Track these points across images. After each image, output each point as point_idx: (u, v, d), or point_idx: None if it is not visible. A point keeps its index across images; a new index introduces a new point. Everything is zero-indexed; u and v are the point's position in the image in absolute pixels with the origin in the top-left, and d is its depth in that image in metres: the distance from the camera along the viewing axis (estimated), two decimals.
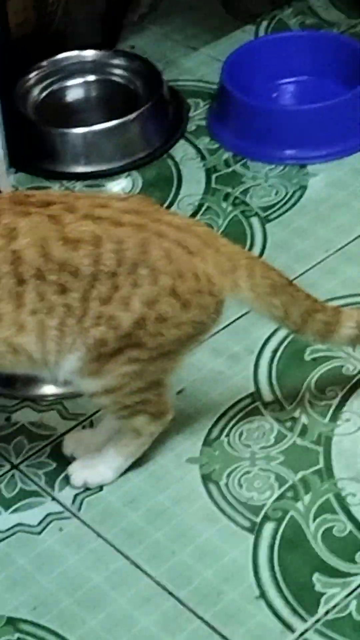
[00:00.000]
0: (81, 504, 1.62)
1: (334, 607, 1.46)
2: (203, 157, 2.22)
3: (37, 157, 2.22)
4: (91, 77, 2.35)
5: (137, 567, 1.53)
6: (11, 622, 1.49)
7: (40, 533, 1.59)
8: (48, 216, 1.45)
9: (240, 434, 1.68)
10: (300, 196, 2.11)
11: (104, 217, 1.47)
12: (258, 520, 1.57)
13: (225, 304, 1.54)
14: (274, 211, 2.08)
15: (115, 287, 1.46)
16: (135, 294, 1.46)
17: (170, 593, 1.50)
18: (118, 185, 2.18)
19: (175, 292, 1.48)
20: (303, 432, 1.67)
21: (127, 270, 1.45)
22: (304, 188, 2.12)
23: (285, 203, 2.10)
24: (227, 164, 2.20)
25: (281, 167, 2.17)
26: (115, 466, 1.63)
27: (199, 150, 2.24)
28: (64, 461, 1.66)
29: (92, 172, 2.19)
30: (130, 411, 1.57)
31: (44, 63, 2.34)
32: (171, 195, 2.14)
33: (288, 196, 2.11)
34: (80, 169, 2.20)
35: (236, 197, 2.12)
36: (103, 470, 1.63)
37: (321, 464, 1.63)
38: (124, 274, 1.45)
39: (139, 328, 1.47)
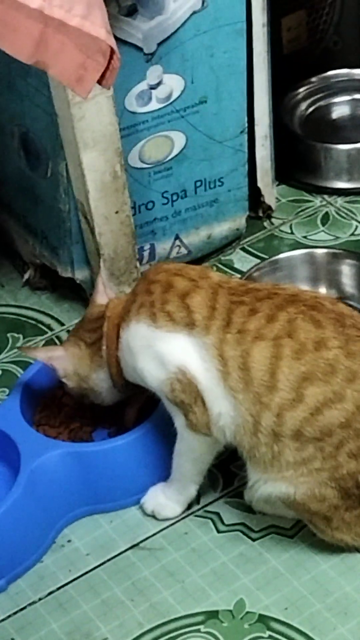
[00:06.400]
0: None
1: None
2: None
3: (300, 170, 2.26)
4: (359, 95, 2.39)
5: None
6: (263, 619, 1.53)
7: (293, 537, 1.63)
8: None
9: None
10: None
11: None
12: None
13: None
14: None
15: None
16: None
17: None
18: None
19: None
20: None
21: None
22: None
23: None
24: None
25: None
26: None
27: None
28: None
29: (354, 189, 2.23)
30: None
31: (314, 79, 2.39)
32: None
33: None
34: (342, 184, 2.23)
35: None
36: None
37: None
38: None
39: None
